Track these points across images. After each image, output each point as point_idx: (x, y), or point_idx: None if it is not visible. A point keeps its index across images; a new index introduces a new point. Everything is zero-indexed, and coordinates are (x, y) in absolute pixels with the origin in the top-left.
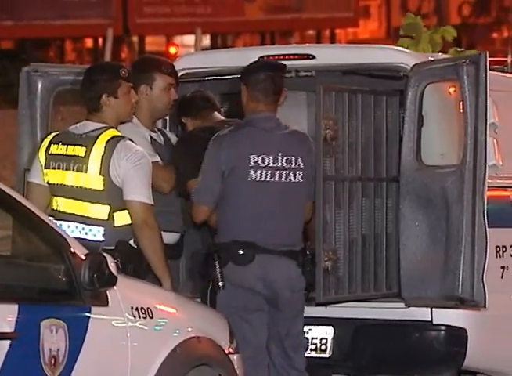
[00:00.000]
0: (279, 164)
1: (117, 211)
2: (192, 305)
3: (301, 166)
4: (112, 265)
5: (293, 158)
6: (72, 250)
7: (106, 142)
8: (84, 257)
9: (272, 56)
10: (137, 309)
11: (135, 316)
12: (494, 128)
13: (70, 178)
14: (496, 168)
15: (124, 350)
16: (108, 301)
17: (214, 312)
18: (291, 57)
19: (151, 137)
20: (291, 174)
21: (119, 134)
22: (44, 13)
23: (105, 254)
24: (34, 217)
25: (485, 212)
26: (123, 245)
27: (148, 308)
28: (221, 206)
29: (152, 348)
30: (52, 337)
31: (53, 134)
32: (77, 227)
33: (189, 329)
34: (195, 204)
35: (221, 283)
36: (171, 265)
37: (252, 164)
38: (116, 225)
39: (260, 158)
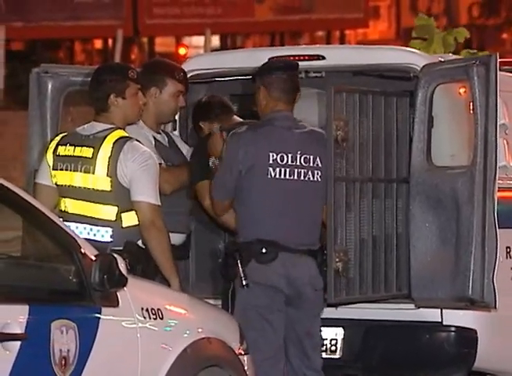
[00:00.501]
0: (298, 163)
1: (124, 211)
2: (203, 306)
3: (319, 165)
4: (122, 266)
5: (312, 157)
6: (82, 251)
7: (114, 143)
8: (94, 258)
9: (281, 56)
10: (147, 309)
11: (145, 317)
12: (504, 129)
13: (77, 179)
14: (506, 168)
15: (134, 351)
16: (118, 302)
17: (224, 313)
18: (301, 58)
19: (155, 139)
20: (310, 173)
21: (126, 135)
22: (54, 14)
23: (115, 255)
24: (44, 218)
25: (495, 213)
26: (131, 246)
27: (158, 309)
28: (240, 205)
29: (162, 349)
30: (63, 338)
31: (61, 135)
32: (85, 228)
33: (200, 330)
34: (212, 199)
35: (244, 282)
36: (180, 265)
37: (271, 161)
38: (124, 225)
39: (279, 156)
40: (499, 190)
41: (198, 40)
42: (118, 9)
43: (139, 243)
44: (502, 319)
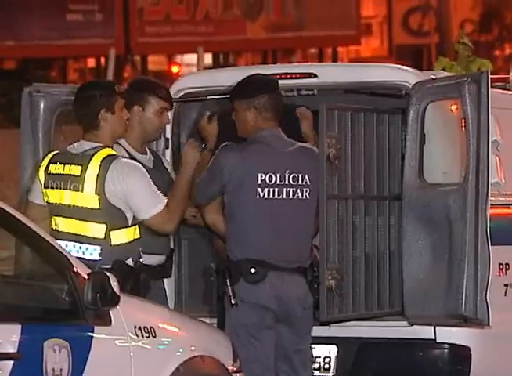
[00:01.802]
0: (286, 182)
1: (113, 229)
2: (195, 324)
3: (308, 183)
4: (115, 284)
5: (300, 175)
6: (75, 269)
7: (101, 161)
8: (86, 276)
9: (274, 74)
10: (140, 328)
11: (138, 336)
12: (496, 145)
13: (67, 197)
14: (499, 185)
15: (127, 370)
16: (111, 321)
17: (217, 331)
18: (293, 76)
19: (135, 159)
20: (298, 191)
21: (114, 153)
22: (46, 33)
23: (107, 274)
24: (37, 237)
25: (488, 230)
26: (119, 264)
27: (151, 327)
28: (230, 222)
29: (155, 367)
30: (55, 357)
31: (52, 153)
32: (74, 246)
33: (193, 348)
34: (195, 201)
35: (233, 301)
36: (172, 285)
37: (259, 182)
38: (113, 244)
39: (267, 176)
40: (491, 207)
41: (190, 58)
42: (110, 27)
43: (128, 261)
44: (496, 337)
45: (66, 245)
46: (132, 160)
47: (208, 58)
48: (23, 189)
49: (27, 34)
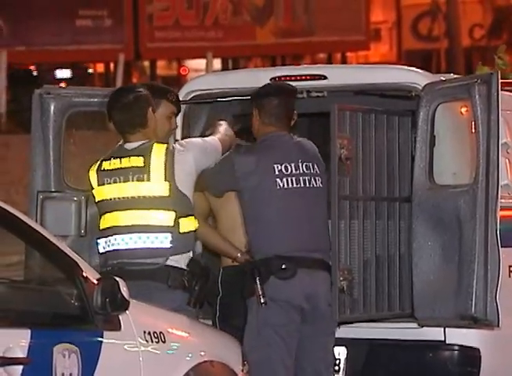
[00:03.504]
0: (301, 171)
1: (181, 217)
2: (205, 329)
3: (318, 172)
4: (124, 289)
5: (311, 164)
6: (84, 274)
7: (166, 149)
8: (96, 281)
9: (283, 76)
10: (149, 333)
11: (147, 341)
12: (506, 148)
13: (129, 189)
14: (509, 187)
15: (136, 374)
16: (120, 326)
17: (226, 336)
18: (303, 78)
19: None
20: (312, 179)
21: (170, 144)
22: (56, 39)
23: (117, 279)
24: (46, 242)
25: (498, 231)
26: (194, 264)
27: (160, 332)
28: (252, 222)
29: (165, 372)
30: (65, 362)
31: (101, 158)
32: (140, 238)
33: (202, 353)
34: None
35: (262, 300)
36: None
37: (277, 172)
38: (181, 231)
39: (283, 166)
40: (501, 209)
41: (200, 63)
42: (119, 32)
43: (190, 254)
44: (506, 338)
45: (131, 238)
46: (181, 142)
47: (217, 63)
48: (34, 191)
49: (37, 40)
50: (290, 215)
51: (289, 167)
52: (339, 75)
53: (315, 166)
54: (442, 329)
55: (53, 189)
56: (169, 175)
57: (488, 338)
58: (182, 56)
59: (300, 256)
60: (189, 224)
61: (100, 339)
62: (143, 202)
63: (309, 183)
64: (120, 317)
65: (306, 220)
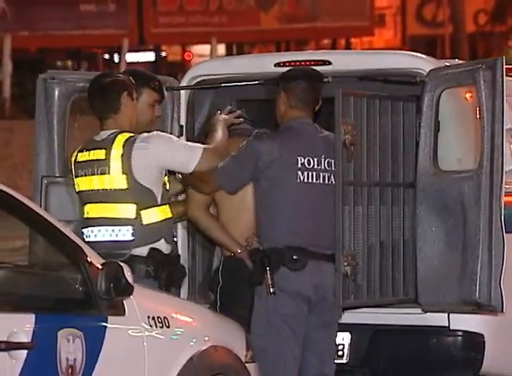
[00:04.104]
0: (322, 167)
1: (143, 209)
2: (209, 314)
3: (333, 169)
4: (128, 274)
5: (332, 161)
6: (88, 259)
7: (125, 141)
8: (100, 266)
9: (288, 62)
10: (153, 318)
11: (151, 326)
12: (511, 133)
13: (96, 182)
14: None
15: (140, 359)
16: (125, 311)
17: (230, 321)
18: (307, 63)
19: None
20: (332, 176)
21: (134, 135)
22: (60, 24)
23: (121, 264)
24: (51, 226)
25: (503, 217)
26: (155, 252)
27: (164, 317)
28: (265, 211)
29: (169, 357)
30: (69, 346)
31: (81, 145)
32: (107, 230)
33: (206, 338)
34: (215, 181)
35: (272, 289)
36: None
37: (299, 165)
38: (144, 223)
39: (306, 160)
40: (506, 195)
41: (204, 48)
42: (124, 18)
43: (161, 242)
44: (510, 324)
45: (100, 230)
46: (149, 133)
47: (221, 49)
48: (38, 175)
49: (41, 25)
50: (306, 209)
51: (311, 161)
52: (343, 61)
53: (333, 163)
54: (446, 314)
55: (57, 175)
56: (126, 167)
57: (492, 323)
58: (186, 41)
59: (310, 250)
60: (152, 215)
61: (104, 324)
62: (107, 195)
63: (328, 180)
64: (125, 302)
65: (320, 215)
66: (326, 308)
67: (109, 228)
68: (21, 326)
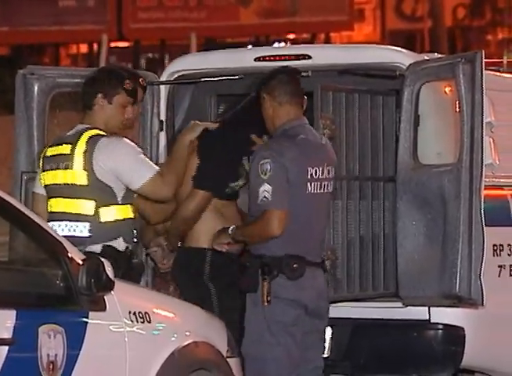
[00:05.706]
0: (325, 176)
1: (102, 206)
2: (190, 310)
3: (332, 176)
4: (109, 269)
5: (332, 168)
6: (69, 255)
7: (89, 138)
8: (81, 262)
9: (268, 56)
10: (135, 313)
11: (132, 321)
12: (490, 127)
13: (59, 176)
14: (493, 166)
15: (122, 355)
16: (106, 306)
17: (212, 317)
18: (287, 58)
19: None
20: (330, 184)
21: (102, 133)
22: (39, 19)
23: (102, 259)
24: (31, 222)
25: (482, 210)
26: (110, 250)
27: (146, 312)
28: None
29: (150, 352)
30: (50, 342)
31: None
32: (66, 225)
33: (187, 333)
34: (273, 211)
35: (268, 298)
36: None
37: (309, 176)
38: (101, 221)
39: (314, 170)
40: (485, 188)
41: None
42: (102, 13)
43: (119, 241)
44: (490, 317)
45: (59, 225)
46: (119, 137)
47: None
48: (18, 171)
49: (21, 20)
50: (309, 219)
51: (318, 170)
52: (323, 55)
53: (332, 170)
54: (427, 308)
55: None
56: (87, 164)
57: (473, 316)
58: (166, 36)
59: (307, 258)
60: (111, 213)
61: (85, 320)
62: (69, 190)
63: (327, 188)
64: (106, 298)
65: (317, 224)
66: (320, 313)
67: (69, 223)
68: (2, 322)
